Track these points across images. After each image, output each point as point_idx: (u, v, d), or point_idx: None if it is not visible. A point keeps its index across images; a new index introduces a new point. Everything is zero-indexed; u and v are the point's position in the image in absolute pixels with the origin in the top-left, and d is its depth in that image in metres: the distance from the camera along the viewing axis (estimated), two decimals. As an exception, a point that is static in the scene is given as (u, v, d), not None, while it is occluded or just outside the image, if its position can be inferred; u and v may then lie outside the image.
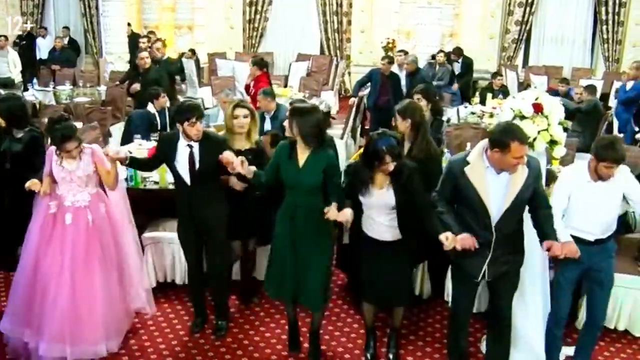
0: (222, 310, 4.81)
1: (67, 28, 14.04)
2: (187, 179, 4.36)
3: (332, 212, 3.86)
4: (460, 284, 3.96)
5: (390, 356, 4.45)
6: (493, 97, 9.44)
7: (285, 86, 11.52)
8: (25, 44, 13.48)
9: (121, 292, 4.50)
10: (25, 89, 10.42)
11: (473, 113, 8.78)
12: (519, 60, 13.46)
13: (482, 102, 9.41)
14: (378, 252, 4.10)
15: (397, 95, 8.58)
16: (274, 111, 6.58)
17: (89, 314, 4.22)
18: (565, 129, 4.26)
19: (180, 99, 8.86)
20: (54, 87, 10.36)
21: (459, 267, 3.89)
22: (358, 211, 4.08)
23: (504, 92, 10.25)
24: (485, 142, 3.62)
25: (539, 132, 4.08)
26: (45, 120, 7.29)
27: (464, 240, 3.59)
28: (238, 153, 4.36)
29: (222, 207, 4.52)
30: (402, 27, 13.76)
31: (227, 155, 4.10)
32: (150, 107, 7.21)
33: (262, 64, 8.48)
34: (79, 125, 6.84)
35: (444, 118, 7.23)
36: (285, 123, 4.21)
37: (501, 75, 11.10)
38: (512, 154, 3.43)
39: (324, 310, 4.55)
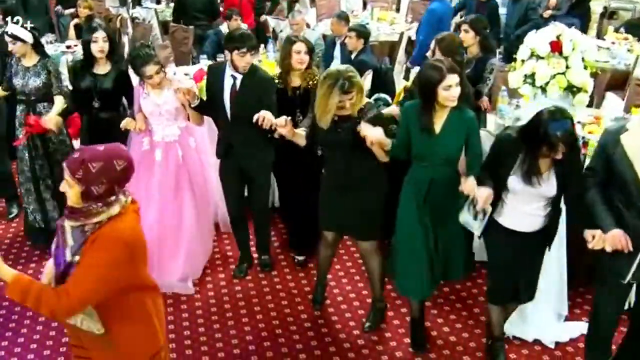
0: (265, 245, 4.74)
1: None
2: (228, 113, 4.15)
3: (469, 185, 3.18)
4: (603, 286, 3.18)
5: None
6: (616, 31, 8.27)
7: (398, 10, 11.04)
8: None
9: (208, 230, 4.57)
10: (135, 6, 10.83)
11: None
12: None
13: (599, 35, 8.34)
14: (513, 245, 3.36)
15: (493, 23, 7.84)
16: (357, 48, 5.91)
17: (175, 248, 4.31)
18: (594, 74, 3.70)
19: (270, 20, 8.86)
20: (167, 4, 10.72)
21: (602, 264, 3.13)
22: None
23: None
24: None
25: (553, 75, 3.57)
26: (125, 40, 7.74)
27: (614, 239, 2.92)
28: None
29: (266, 148, 4.25)
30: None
31: (263, 114, 3.74)
32: (224, 27, 7.32)
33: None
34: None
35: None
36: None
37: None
38: None
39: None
